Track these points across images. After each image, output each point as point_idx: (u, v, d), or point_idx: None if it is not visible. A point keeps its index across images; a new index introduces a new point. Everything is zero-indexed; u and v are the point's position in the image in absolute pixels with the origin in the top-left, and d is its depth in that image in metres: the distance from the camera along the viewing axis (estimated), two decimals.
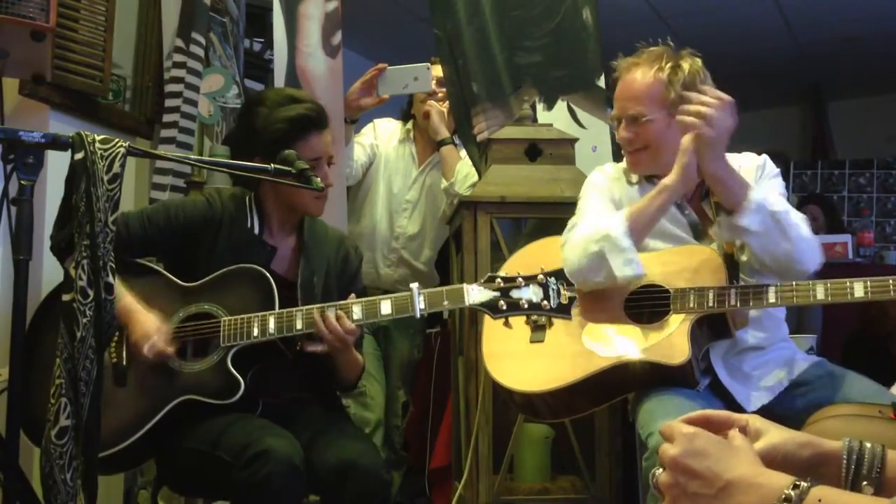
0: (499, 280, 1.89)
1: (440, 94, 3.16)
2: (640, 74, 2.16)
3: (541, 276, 1.87)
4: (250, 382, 1.95)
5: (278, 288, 1.99)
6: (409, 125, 3.30)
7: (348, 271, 2.23)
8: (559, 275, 1.88)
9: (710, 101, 1.98)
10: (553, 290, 1.86)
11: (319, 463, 1.90)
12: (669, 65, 2.14)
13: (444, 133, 3.11)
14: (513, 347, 2.18)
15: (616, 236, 2.03)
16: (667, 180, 2.08)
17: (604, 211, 2.18)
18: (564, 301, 1.86)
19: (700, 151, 1.99)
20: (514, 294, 1.87)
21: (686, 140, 2.02)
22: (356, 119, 3.02)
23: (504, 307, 1.87)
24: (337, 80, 2.94)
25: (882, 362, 3.63)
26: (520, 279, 1.87)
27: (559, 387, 2.07)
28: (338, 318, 1.94)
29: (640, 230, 2.08)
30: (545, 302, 1.86)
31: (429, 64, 2.87)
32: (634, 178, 2.29)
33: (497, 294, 1.87)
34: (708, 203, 2.20)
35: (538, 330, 2.18)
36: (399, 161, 3.25)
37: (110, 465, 1.98)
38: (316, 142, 2.07)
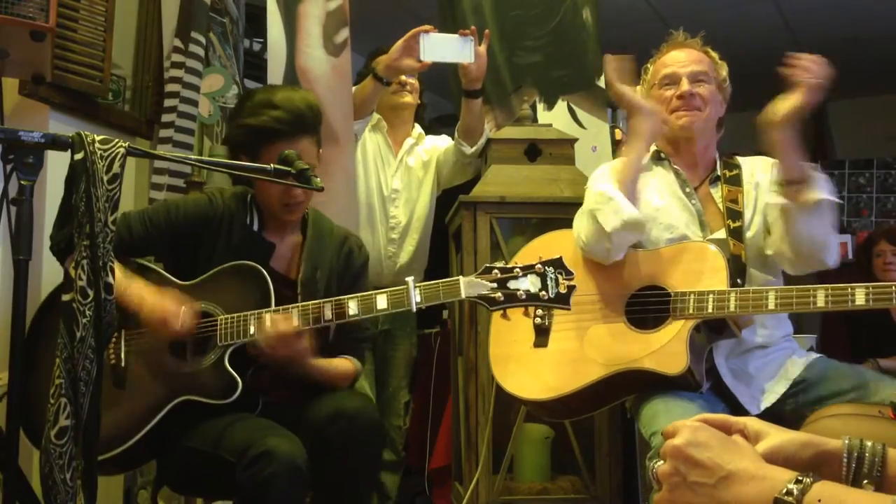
0: (495, 271, 1.84)
1: (408, 87, 3.14)
2: (696, 50, 2.29)
3: (538, 266, 1.83)
4: (249, 381, 1.95)
5: (277, 286, 1.99)
6: (377, 114, 3.24)
7: (350, 270, 2.20)
8: (557, 264, 1.83)
9: (822, 69, 1.94)
10: (551, 279, 1.82)
11: (314, 413, 1.90)
12: (715, 55, 2.30)
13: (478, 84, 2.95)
14: (517, 351, 2.19)
15: (607, 189, 2.09)
16: (637, 125, 2.15)
17: None
18: (563, 290, 1.81)
19: (793, 116, 1.95)
20: (512, 285, 1.83)
21: (619, 86, 2.15)
22: (391, 82, 2.91)
23: (501, 299, 1.83)
24: (342, 78, 2.88)
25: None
26: (517, 269, 1.83)
27: (560, 395, 2.07)
28: (275, 322, 1.89)
29: (625, 179, 2.12)
30: (543, 292, 1.81)
31: (472, 36, 2.76)
32: (643, 163, 2.30)
33: (494, 285, 1.83)
34: (717, 188, 2.21)
35: (542, 334, 2.18)
36: (376, 150, 3.20)
37: (111, 467, 1.98)
38: (283, 151, 1.92)
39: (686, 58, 2.26)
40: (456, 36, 2.78)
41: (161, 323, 1.92)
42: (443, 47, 2.74)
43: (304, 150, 1.99)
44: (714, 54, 2.31)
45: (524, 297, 1.82)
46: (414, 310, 1.90)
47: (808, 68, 1.92)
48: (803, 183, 1.98)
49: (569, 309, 1.87)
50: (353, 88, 2.92)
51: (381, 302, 1.91)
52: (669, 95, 2.23)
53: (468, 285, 1.85)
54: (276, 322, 1.89)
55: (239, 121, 2.06)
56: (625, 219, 2.05)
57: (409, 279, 1.91)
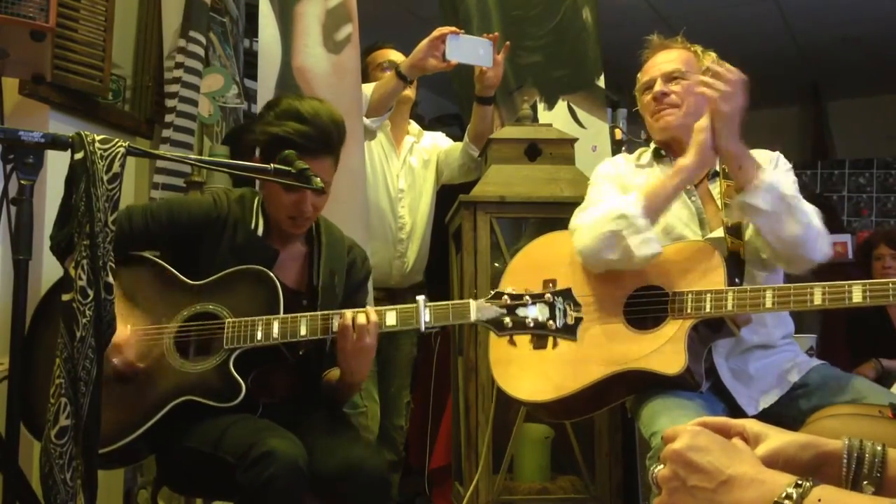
0: (505, 297, 1.86)
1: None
2: (675, 48, 2.29)
3: (548, 296, 1.84)
4: (251, 384, 1.94)
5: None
6: None
7: (352, 280, 2.20)
8: (567, 295, 1.85)
9: (727, 76, 1.99)
10: (560, 310, 1.83)
11: (323, 466, 1.89)
12: (698, 48, 2.29)
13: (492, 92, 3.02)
14: (517, 353, 2.19)
15: (632, 215, 2.04)
16: (684, 160, 2.08)
17: (616, 194, 2.20)
18: (571, 322, 1.83)
19: (716, 127, 2.00)
20: (521, 312, 1.84)
21: (702, 120, 2.04)
22: (412, 81, 2.90)
23: (510, 325, 1.85)
24: (343, 75, 2.85)
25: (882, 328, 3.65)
26: (527, 297, 1.85)
27: (560, 397, 2.08)
28: (356, 317, 1.91)
29: (656, 209, 2.08)
30: (551, 322, 1.83)
31: (491, 42, 2.79)
32: (644, 160, 2.30)
33: (503, 311, 1.85)
34: (716, 185, 2.21)
35: (541, 336, 2.18)
36: (380, 150, 3.20)
37: (109, 461, 1.97)
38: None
39: (661, 59, 2.27)
40: (480, 39, 2.80)
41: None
42: (467, 49, 2.76)
43: (324, 169, 1.98)
44: (696, 47, 2.30)
45: (532, 325, 1.84)
46: (423, 329, 1.91)
47: (711, 84, 2.00)
48: (743, 191, 2.00)
49: (575, 340, 1.89)
50: (373, 85, 2.91)
51: (390, 318, 1.93)
52: (648, 100, 2.24)
53: (478, 310, 1.87)
54: (357, 316, 1.91)
55: (263, 127, 2.04)
56: (655, 251, 2.04)
57: (421, 298, 1.91)
